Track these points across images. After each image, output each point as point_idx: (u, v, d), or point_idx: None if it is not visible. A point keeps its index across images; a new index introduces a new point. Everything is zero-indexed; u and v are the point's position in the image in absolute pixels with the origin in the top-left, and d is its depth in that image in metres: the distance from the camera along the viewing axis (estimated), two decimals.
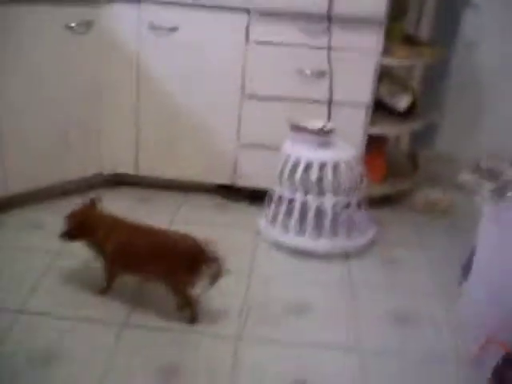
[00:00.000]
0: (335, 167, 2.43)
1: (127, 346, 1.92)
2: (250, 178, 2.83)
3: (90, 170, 2.85)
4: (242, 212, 2.85)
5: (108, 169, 2.87)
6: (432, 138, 3.35)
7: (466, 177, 3.30)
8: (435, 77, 3.24)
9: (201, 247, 2.02)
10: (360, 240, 2.55)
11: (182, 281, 2.02)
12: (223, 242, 2.47)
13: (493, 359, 1.90)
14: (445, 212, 3.00)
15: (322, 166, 2.44)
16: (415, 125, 2.87)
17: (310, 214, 2.46)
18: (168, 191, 2.95)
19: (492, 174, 3.33)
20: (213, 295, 2.10)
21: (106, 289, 2.16)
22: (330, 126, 2.51)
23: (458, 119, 3.31)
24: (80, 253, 2.19)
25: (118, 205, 2.66)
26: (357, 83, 2.63)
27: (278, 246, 2.54)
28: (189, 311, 2.05)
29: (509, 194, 2.01)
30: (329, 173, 2.42)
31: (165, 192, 2.95)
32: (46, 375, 1.78)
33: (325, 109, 2.65)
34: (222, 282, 2.02)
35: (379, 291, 2.32)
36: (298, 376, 1.85)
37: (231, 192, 2.93)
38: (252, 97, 2.67)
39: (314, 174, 2.43)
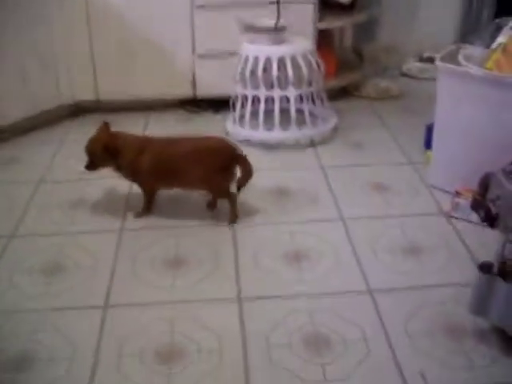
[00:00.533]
0: (293, 60, 2.56)
1: (129, 249, 2.03)
2: (210, 88, 2.92)
3: (51, 102, 2.87)
4: (208, 121, 2.96)
5: (68, 98, 2.90)
6: (373, 32, 3.51)
7: (410, 65, 3.52)
8: None
9: (233, 147, 2.10)
10: (324, 127, 2.72)
11: (221, 181, 2.08)
12: None
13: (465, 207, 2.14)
14: (396, 97, 3.19)
15: (281, 61, 2.56)
16: (360, 17, 3.01)
17: (276, 108, 2.60)
18: (131, 112, 3.02)
19: (433, 61, 3.53)
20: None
21: (146, 210, 2.17)
22: (281, 22, 2.62)
23: (396, 11, 3.47)
24: (64, 178, 2.27)
25: (83, 132, 2.74)
26: None
27: (249, 143, 2.67)
28: (230, 209, 2.13)
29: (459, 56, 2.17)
30: (288, 66, 2.55)
31: (128, 113, 3.01)
32: (52, 286, 1.85)
33: (274, 9, 2.74)
34: None
35: (352, 169, 2.51)
36: (292, 247, 2.03)
37: (194, 104, 3.02)
38: (202, 6, 2.74)
39: (274, 70, 2.55)
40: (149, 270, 1.91)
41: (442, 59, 2.17)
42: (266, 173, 2.46)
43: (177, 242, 2.05)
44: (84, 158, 2.12)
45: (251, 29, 2.61)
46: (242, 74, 2.60)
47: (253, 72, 2.57)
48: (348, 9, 3.00)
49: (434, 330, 1.67)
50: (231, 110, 2.77)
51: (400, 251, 2.00)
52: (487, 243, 1.98)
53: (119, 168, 2.11)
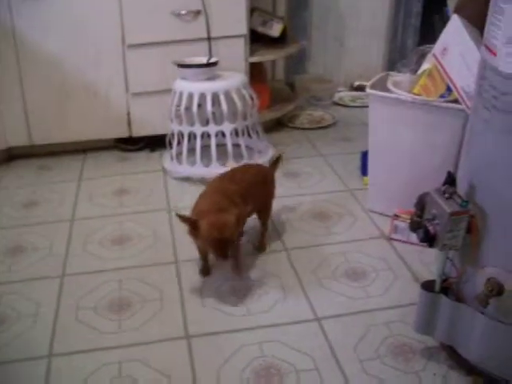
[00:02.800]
0: (227, 95, 2.58)
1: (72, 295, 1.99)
2: (145, 127, 2.91)
3: None
4: (145, 159, 2.93)
5: (0, 143, 2.82)
6: (304, 63, 3.60)
7: (341, 94, 3.61)
8: (298, 4, 3.47)
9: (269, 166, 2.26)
10: (261, 160, 2.73)
11: (271, 202, 2.18)
12: (135, 188, 2.61)
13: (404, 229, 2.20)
14: (329, 126, 3.25)
15: (215, 96, 2.58)
16: (290, 49, 3.08)
17: (213, 143, 2.60)
18: (66, 155, 2.97)
19: (363, 90, 3.64)
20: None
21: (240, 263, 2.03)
22: (213, 59, 2.65)
23: (324, 43, 3.58)
24: None
25: (18, 179, 2.70)
26: (232, 16, 2.77)
27: (187, 180, 2.66)
28: (263, 236, 2.19)
29: (388, 83, 2.25)
30: (222, 101, 2.56)
31: (63, 157, 2.96)
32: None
33: (205, 46, 2.77)
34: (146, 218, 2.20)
35: (291, 199, 2.52)
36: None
37: (130, 144, 2.99)
38: (133, 46, 2.74)
39: (208, 105, 2.56)
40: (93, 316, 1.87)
41: (372, 87, 2.24)
42: None
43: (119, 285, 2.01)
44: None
45: (184, 66, 2.62)
46: (177, 110, 2.60)
47: (187, 108, 2.58)
48: (278, 42, 3.06)
49: (383, 352, 1.68)
50: (168, 147, 2.75)
51: (344, 277, 2.02)
52: (428, 263, 2.06)
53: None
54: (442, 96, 2.15)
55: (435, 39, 3.38)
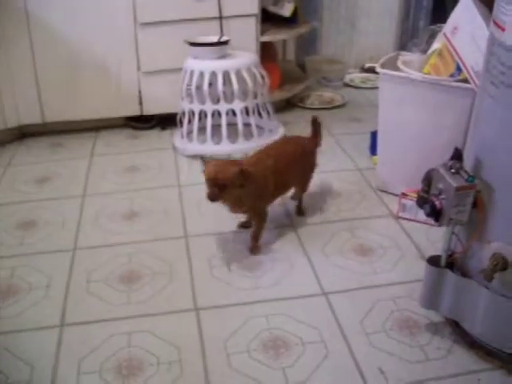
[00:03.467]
0: (238, 74, 2.60)
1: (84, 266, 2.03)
2: (157, 105, 2.93)
3: None
4: (156, 137, 2.97)
5: (13, 122, 2.86)
6: (315, 44, 3.60)
7: (352, 76, 3.61)
8: None
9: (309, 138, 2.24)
10: (271, 139, 2.74)
11: (310, 175, 2.21)
12: (146, 165, 2.64)
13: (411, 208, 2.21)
14: (340, 107, 3.26)
15: (226, 75, 2.59)
16: (301, 30, 3.08)
17: (223, 121, 2.62)
18: (78, 133, 3.00)
19: (374, 71, 3.64)
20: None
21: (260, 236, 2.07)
22: (225, 37, 2.66)
23: (336, 24, 3.57)
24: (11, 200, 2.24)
25: (31, 156, 2.73)
26: None
27: (198, 158, 2.67)
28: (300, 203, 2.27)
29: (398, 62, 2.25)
30: (233, 80, 2.58)
31: (75, 135, 2.99)
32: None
33: (217, 25, 2.78)
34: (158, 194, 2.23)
35: None
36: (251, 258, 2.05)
37: (141, 122, 3.02)
38: (145, 24, 2.75)
39: (219, 84, 2.58)
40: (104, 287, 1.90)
41: (382, 66, 2.25)
42: None
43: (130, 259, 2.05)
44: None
45: (195, 44, 2.63)
46: (188, 89, 2.62)
47: (198, 87, 2.60)
48: (290, 22, 3.07)
49: (389, 326, 1.71)
50: (178, 125, 2.78)
51: (351, 253, 2.04)
52: (435, 240, 2.08)
53: (238, 198, 1.92)
54: (451, 75, 2.15)
55: (446, 20, 3.38)
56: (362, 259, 2.01)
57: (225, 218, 2.17)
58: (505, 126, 1.39)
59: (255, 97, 2.66)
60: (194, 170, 2.60)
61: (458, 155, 1.52)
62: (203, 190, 1.86)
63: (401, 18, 3.59)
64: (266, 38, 2.91)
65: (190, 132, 2.70)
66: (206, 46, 2.62)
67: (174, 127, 2.89)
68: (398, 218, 2.25)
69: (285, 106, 3.16)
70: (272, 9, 2.96)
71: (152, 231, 2.18)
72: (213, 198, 1.82)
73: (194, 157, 2.67)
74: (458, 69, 2.14)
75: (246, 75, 2.60)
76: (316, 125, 2.23)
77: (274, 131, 2.79)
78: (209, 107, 2.62)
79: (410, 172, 2.29)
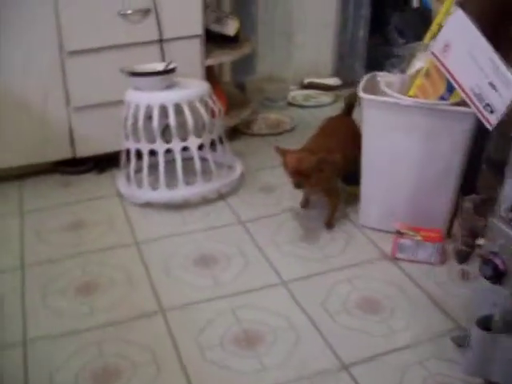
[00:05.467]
0: (191, 105, 2.25)
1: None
2: (92, 145, 2.51)
3: None
4: (94, 183, 2.53)
5: None
6: (252, 64, 3.30)
7: (294, 93, 3.37)
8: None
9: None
10: (232, 176, 2.43)
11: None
12: (91, 220, 2.24)
13: (409, 246, 2.00)
14: (289, 130, 2.99)
15: (177, 108, 2.24)
16: (245, 49, 2.77)
17: (178, 162, 2.27)
18: (2, 183, 2.51)
19: (317, 87, 3.44)
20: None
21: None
22: (171, 64, 2.31)
23: (271, 40, 3.30)
24: None
25: None
26: (186, 14, 2.43)
27: (150, 205, 2.32)
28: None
29: (381, 86, 2.02)
30: (187, 113, 2.23)
31: None
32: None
33: (156, 49, 2.43)
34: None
35: (271, 219, 2.25)
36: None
37: (73, 165, 2.58)
38: (73, 53, 2.33)
39: (171, 118, 2.22)
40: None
41: (364, 91, 2.01)
42: (182, 239, 2.14)
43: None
44: None
45: (137, 75, 2.26)
46: (133, 126, 2.25)
47: (135, 123, 2.23)
48: (230, 40, 2.76)
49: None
50: (122, 167, 2.39)
51: (358, 311, 1.77)
52: (441, 282, 1.89)
53: (317, 182, 2.08)
54: (441, 97, 1.96)
55: (389, 31, 3.24)
56: (373, 318, 1.75)
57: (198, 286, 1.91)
58: None
59: (211, 131, 2.33)
60: (151, 222, 2.24)
61: None
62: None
63: (338, 28, 3.39)
64: (211, 62, 2.59)
65: (137, 172, 2.32)
66: (151, 75, 2.25)
67: (114, 169, 2.50)
68: (394, 259, 2.02)
69: (232, 134, 2.84)
70: (214, 27, 2.63)
71: (119, 309, 1.79)
72: (300, 186, 2.03)
73: (145, 205, 2.30)
74: (449, 90, 1.94)
75: (200, 107, 2.26)
76: (351, 104, 2.38)
77: (233, 167, 2.48)
78: (160, 146, 2.25)
79: (400, 206, 2.09)
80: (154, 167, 2.29)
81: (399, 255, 2.02)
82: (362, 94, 1.99)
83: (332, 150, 2.08)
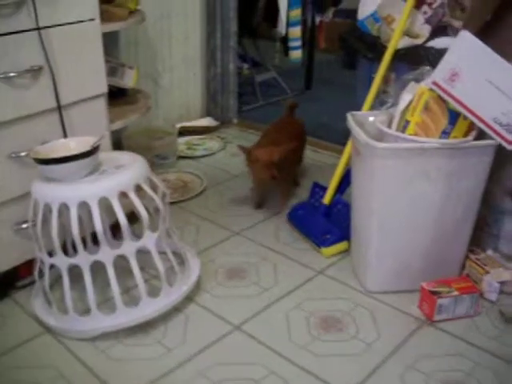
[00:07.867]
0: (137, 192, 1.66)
1: None
2: None
3: None
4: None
5: None
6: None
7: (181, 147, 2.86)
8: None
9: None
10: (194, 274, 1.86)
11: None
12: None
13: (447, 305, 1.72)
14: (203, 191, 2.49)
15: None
16: (147, 101, 2.23)
17: (135, 269, 1.64)
18: None
19: (194, 131, 2.98)
20: None
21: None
22: (96, 141, 1.66)
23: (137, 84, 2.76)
24: None
25: None
26: (85, 68, 1.82)
27: (80, 337, 1.65)
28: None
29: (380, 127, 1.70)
30: (136, 202, 1.63)
31: None
32: None
33: (53, 119, 1.77)
34: None
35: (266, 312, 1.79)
36: None
37: None
38: None
39: (121, 218, 1.58)
40: None
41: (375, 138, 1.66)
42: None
43: None
44: None
45: (49, 162, 1.59)
46: (48, 230, 1.56)
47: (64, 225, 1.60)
48: (119, 93, 2.18)
49: None
50: (38, 290, 1.69)
51: None
52: (486, 331, 1.69)
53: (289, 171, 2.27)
54: (444, 132, 1.72)
55: (247, 61, 2.95)
56: None
57: None
58: None
59: (164, 218, 1.75)
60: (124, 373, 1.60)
61: None
62: None
63: (206, 64, 2.97)
64: (118, 125, 1.98)
65: (60, 294, 1.62)
66: (74, 159, 1.60)
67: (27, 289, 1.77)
68: (432, 322, 1.72)
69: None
70: (110, 81, 2.02)
71: None
72: (275, 176, 2.08)
73: (97, 338, 1.64)
74: (451, 122, 1.71)
75: (148, 190, 1.68)
76: (292, 106, 2.51)
77: (188, 258, 1.89)
78: (84, 258, 1.59)
79: (416, 260, 1.81)
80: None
81: (437, 317, 1.73)
82: (372, 143, 1.64)
83: (286, 142, 2.17)
